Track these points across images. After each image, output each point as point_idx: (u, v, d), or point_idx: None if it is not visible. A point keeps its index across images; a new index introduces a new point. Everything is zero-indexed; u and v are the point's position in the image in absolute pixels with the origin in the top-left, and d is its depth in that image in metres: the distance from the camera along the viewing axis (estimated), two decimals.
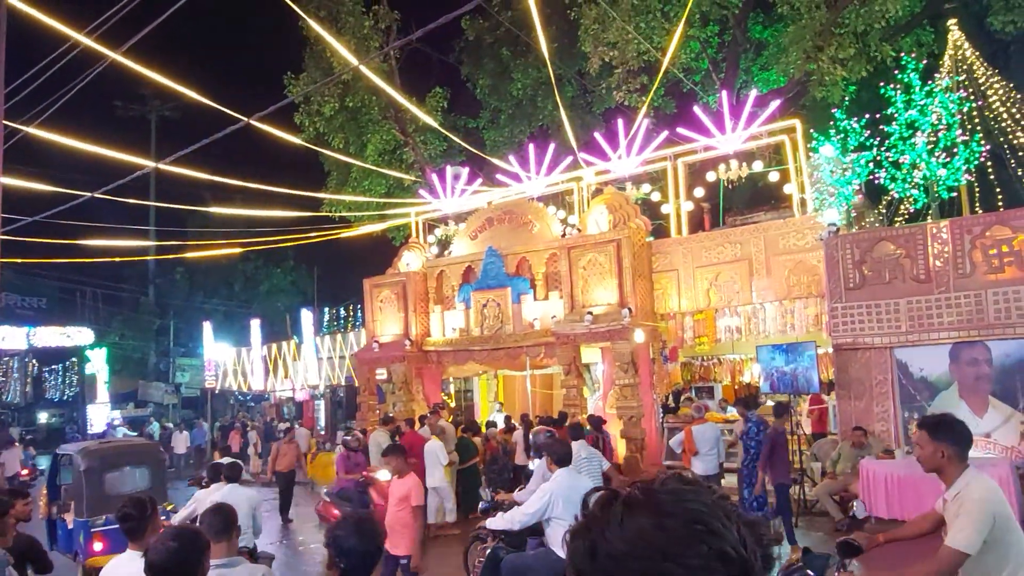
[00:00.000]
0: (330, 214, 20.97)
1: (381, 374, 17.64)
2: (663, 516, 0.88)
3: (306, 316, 23.70)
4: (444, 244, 18.36)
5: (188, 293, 33.36)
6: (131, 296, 36.38)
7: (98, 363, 31.99)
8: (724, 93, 14.52)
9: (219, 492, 6.61)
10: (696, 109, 14.87)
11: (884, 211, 12.49)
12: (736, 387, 15.63)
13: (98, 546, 8.38)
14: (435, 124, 18.06)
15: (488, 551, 5.97)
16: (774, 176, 14.51)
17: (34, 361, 42.59)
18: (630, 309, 13.15)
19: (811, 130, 12.98)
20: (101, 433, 29.37)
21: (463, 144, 18.63)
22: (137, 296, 36.12)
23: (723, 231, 14.10)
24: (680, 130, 14.89)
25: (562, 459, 5.37)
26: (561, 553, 4.64)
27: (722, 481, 9.71)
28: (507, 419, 14.85)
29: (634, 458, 12.91)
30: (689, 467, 9.42)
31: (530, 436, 11.46)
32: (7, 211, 13.45)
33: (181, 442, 22.97)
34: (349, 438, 12.10)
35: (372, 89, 19.99)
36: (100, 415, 31.65)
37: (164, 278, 34.74)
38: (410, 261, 17.54)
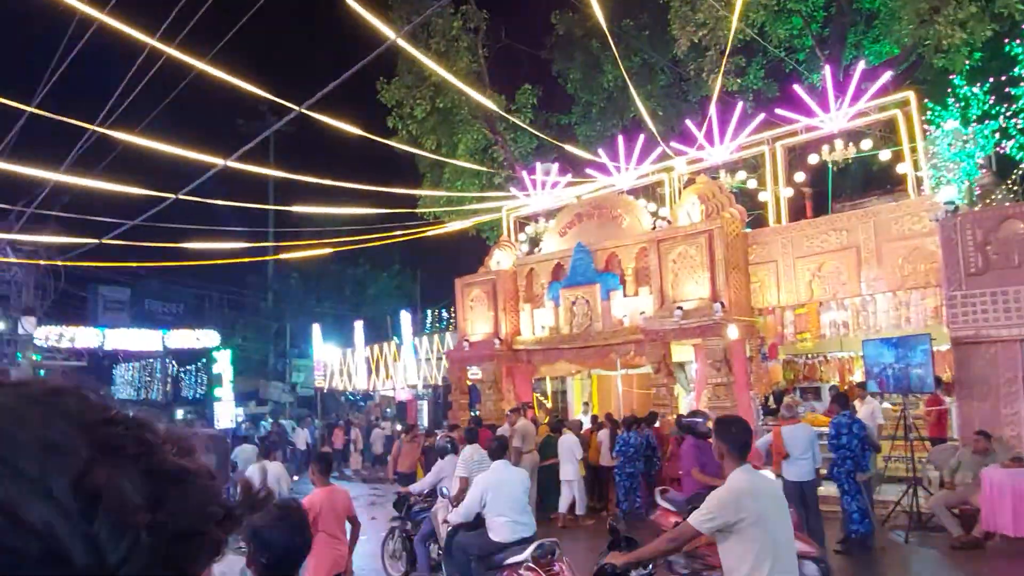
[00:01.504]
0: (425, 211, 21.30)
1: (475, 373, 17.62)
2: None
3: (405, 317, 24.18)
4: (535, 241, 18.16)
5: (302, 297, 35.10)
6: (253, 301, 38.76)
7: (224, 364, 34.20)
8: (828, 68, 13.37)
9: (255, 466, 8.81)
10: (797, 88, 13.80)
11: (1015, 186, 10.96)
12: (846, 387, 14.34)
13: None
14: (500, 111, 17.81)
15: (448, 531, 6.70)
16: (886, 155, 13.19)
17: (173, 362, 46.39)
18: (722, 303, 12.35)
19: (927, 102, 11.66)
20: (232, 429, 31.49)
21: (548, 139, 18.33)
22: (258, 301, 38.42)
23: (827, 217, 12.98)
24: (778, 111, 13.87)
25: (494, 453, 6.33)
26: (493, 536, 5.74)
27: (819, 489, 8.80)
28: (594, 419, 14.38)
29: None
30: (779, 472, 8.60)
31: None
32: (128, 218, 14.53)
33: (301, 438, 23.13)
34: (699, 419, 8.07)
35: (463, 89, 20.13)
36: (226, 412, 33.84)
37: (281, 284, 36.74)
38: (501, 259, 17.45)
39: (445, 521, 6.91)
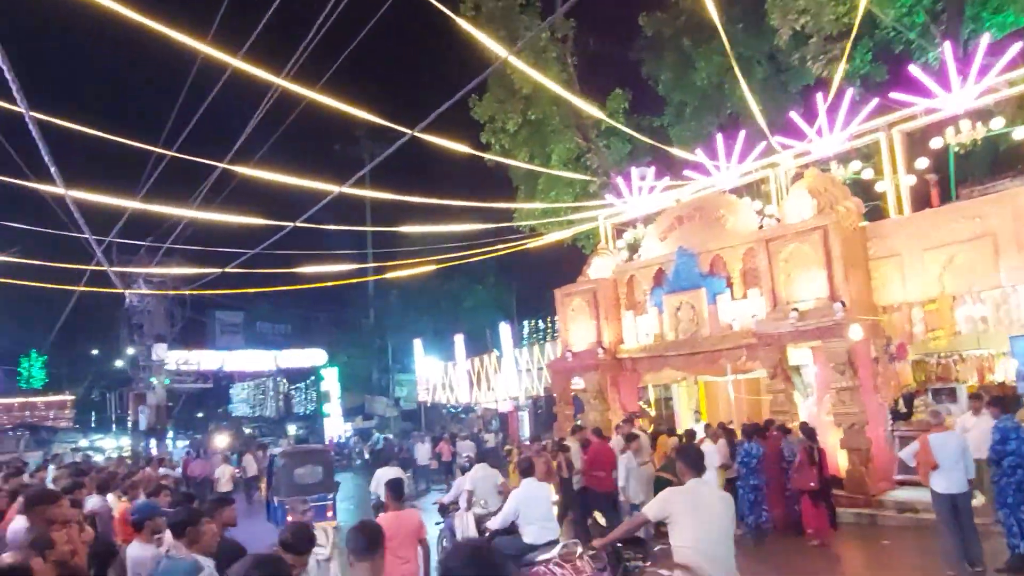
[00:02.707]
0: (520, 224, 21.38)
1: (578, 383, 17.46)
2: None
3: (504, 330, 24.32)
4: (634, 248, 17.85)
5: (402, 313, 36.04)
6: (355, 319, 40.17)
7: (331, 381, 35.63)
8: (947, 45, 12.45)
9: (380, 471, 9.89)
10: (913, 68, 12.91)
11: None
12: (986, 388, 13.20)
13: (290, 519, 11.03)
14: (601, 115, 17.55)
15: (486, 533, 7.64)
16: (1021, 134, 12.12)
17: (284, 380, 48.76)
18: (843, 302, 11.65)
19: None
20: (343, 444, 32.80)
21: (645, 140, 17.98)
22: (360, 319, 39.77)
23: (957, 205, 12.03)
24: (893, 95, 13.02)
25: (525, 472, 7.35)
26: (526, 539, 6.77)
27: (973, 500, 8.07)
28: (707, 427, 13.88)
29: (858, 471, 11.36)
30: (927, 483, 7.95)
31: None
32: (243, 247, 15.34)
33: (423, 453, 21.95)
34: None
35: (554, 100, 20.10)
36: (335, 427, 35.18)
37: (382, 301, 37.87)
38: (600, 267, 17.25)
39: (485, 529, 7.92)
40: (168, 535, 4.91)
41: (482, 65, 20.77)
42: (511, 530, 6.99)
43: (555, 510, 7.52)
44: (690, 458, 4.71)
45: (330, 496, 12.54)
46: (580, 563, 5.99)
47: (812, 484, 9.58)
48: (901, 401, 13.19)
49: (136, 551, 4.96)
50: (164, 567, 3.87)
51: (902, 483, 11.80)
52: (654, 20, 20.06)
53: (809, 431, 10.33)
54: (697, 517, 4.27)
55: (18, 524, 5.56)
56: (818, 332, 11.82)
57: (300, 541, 3.55)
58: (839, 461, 11.77)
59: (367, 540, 3.13)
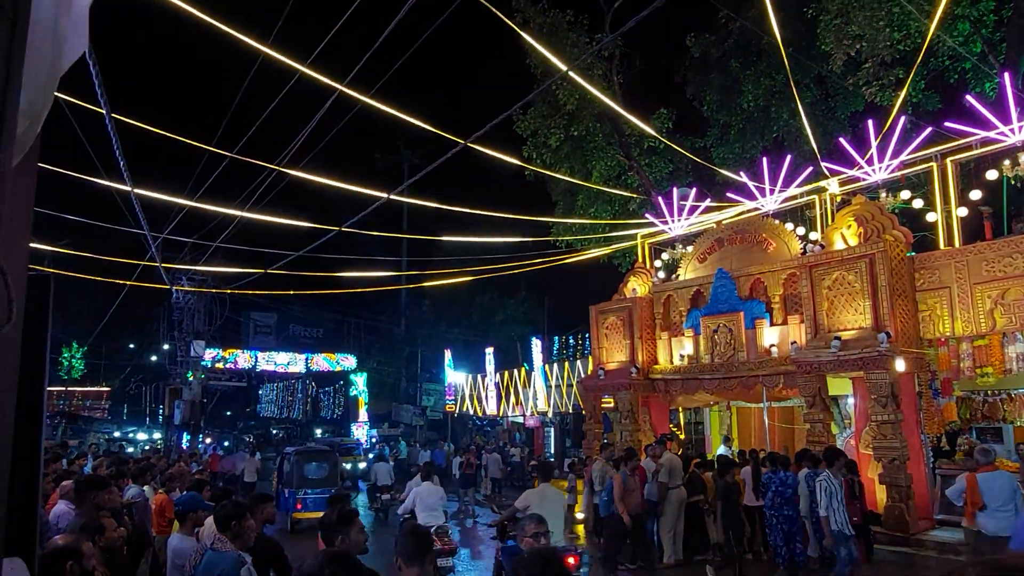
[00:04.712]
0: (557, 239, 21.34)
1: (608, 402, 17.31)
2: None
3: (536, 344, 24.24)
4: (671, 268, 17.69)
5: (433, 323, 36.18)
6: (387, 327, 40.41)
7: (360, 386, 35.85)
8: (1007, 75, 12.18)
9: (376, 464, 12.50)
10: (970, 98, 12.66)
11: None
12: None
13: (299, 507, 14.46)
14: (650, 129, 17.49)
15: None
16: None
17: (313, 383, 49.16)
18: (888, 333, 11.38)
19: None
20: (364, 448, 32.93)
21: (690, 155, 17.85)
22: (391, 327, 40.01)
23: (1011, 239, 11.69)
24: (948, 124, 12.77)
25: (425, 476, 9.92)
26: (419, 522, 8.79)
27: None
28: (741, 453, 13.63)
29: (898, 508, 11.02)
30: (972, 524, 7.68)
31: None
32: (282, 249, 15.57)
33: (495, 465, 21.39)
34: None
35: (597, 116, 20.11)
36: (361, 433, 35.34)
37: (414, 309, 38.06)
38: (636, 286, 17.13)
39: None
40: (207, 528, 4.96)
41: (525, 80, 20.93)
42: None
43: (443, 504, 9.70)
44: (542, 470, 7.99)
45: (333, 491, 13.89)
46: (447, 539, 8.86)
47: (854, 519, 9.31)
48: (944, 438, 12.84)
49: (177, 542, 5.00)
50: (209, 559, 3.89)
51: (942, 523, 11.45)
52: (702, 41, 20.00)
53: (850, 464, 10.06)
54: (543, 505, 6.75)
55: (60, 508, 5.68)
56: (861, 362, 11.55)
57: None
58: (876, 496, 11.46)
59: (417, 545, 3.07)
